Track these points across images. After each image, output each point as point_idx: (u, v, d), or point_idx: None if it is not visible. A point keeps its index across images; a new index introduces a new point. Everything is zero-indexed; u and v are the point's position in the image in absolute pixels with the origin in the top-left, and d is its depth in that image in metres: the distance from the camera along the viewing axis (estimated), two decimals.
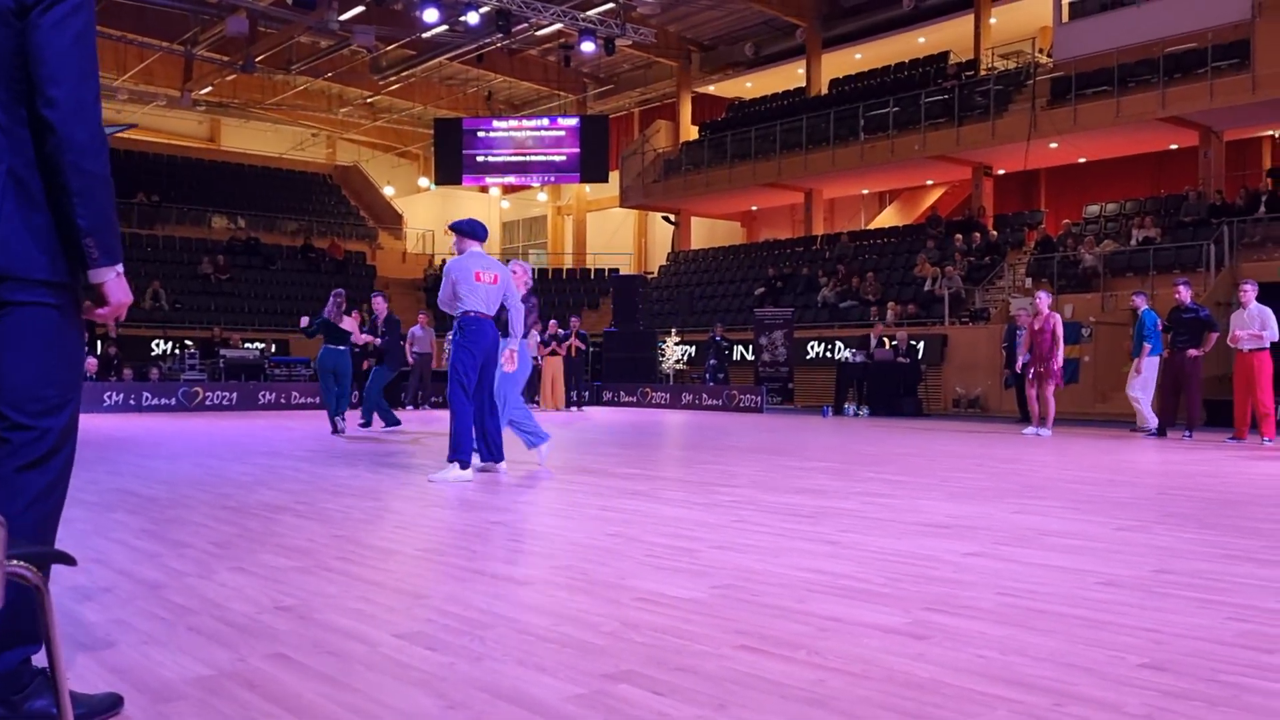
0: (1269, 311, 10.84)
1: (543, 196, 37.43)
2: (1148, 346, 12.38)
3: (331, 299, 11.56)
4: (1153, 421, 12.50)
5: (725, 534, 4.62)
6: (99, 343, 19.04)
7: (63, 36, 2.03)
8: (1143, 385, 12.62)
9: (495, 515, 5.23)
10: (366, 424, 12.39)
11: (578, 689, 2.37)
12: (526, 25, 24.96)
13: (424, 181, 37.68)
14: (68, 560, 1.80)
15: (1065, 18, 20.95)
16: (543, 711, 2.22)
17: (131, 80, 29.61)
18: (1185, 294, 11.87)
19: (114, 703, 2.20)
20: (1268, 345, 10.85)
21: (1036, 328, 12.38)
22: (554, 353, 18.51)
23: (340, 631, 2.88)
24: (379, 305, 12.92)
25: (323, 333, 11.62)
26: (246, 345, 21.47)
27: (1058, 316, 12.41)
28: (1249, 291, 11.01)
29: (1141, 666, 2.56)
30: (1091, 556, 4.07)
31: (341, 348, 11.61)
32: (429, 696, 2.32)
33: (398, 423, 12.45)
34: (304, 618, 3.04)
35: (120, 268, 2.18)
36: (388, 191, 36.98)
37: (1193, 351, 11.64)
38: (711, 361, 20.83)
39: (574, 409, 18.83)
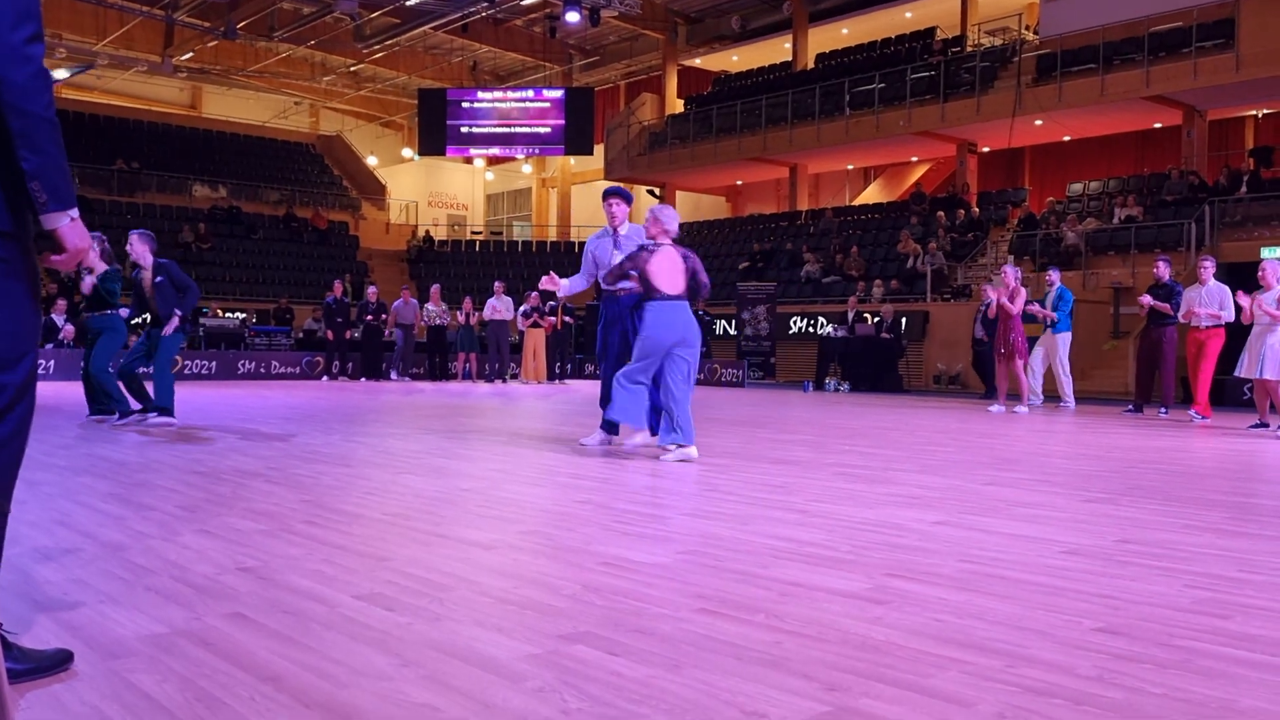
0: (1227, 290, 10.79)
1: (527, 169, 37.23)
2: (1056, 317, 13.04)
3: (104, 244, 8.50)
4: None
5: (695, 502, 4.63)
6: (78, 308, 18.87)
7: None
8: (1042, 359, 13.17)
9: (466, 482, 5.22)
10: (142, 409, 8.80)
11: (533, 649, 2.37)
12: None
13: (408, 152, 37.39)
14: None
15: None
16: (495, 670, 2.22)
17: (111, 45, 29.24)
18: (1164, 271, 11.90)
19: (63, 658, 2.19)
20: (1224, 324, 10.84)
21: (1004, 301, 12.28)
22: (535, 324, 18.47)
23: (300, 592, 2.87)
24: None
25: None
26: (227, 314, 21.31)
27: (1024, 291, 12.40)
28: (1208, 269, 10.95)
29: (1096, 631, 2.58)
30: (1056, 526, 4.10)
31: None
32: (382, 655, 2.31)
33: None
34: (265, 579, 3.03)
35: (75, 212, 2.12)
36: (371, 161, 36.68)
37: (1146, 299, 11.76)
38: None
39: (556, 382, 18.81)
